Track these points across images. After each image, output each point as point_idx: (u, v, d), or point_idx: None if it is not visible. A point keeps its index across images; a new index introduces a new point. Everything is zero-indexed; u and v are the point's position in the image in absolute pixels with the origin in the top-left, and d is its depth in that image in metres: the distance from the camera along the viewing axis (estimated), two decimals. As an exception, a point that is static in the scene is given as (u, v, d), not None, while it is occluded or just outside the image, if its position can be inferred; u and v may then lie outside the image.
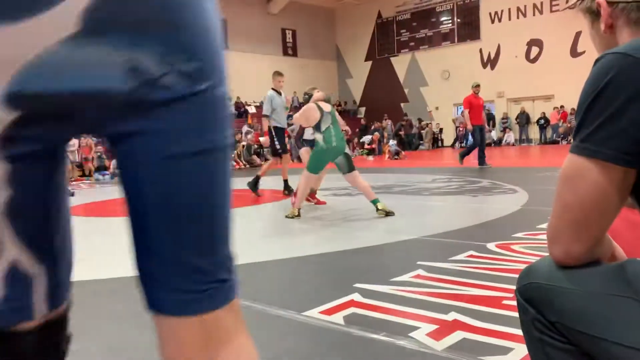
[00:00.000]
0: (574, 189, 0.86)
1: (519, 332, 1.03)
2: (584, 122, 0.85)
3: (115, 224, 5.90)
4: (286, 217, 5.15)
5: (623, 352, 0.81)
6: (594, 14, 1.01)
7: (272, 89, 7.36)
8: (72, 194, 9.09)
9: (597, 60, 0.86)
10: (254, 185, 7.42)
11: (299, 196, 5.16)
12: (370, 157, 17.85)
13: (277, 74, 7.55)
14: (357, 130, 21.79)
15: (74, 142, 14.01)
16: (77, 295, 2.79)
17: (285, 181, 7.56)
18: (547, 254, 0.93)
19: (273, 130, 7.32)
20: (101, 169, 14.04)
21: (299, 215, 5.11)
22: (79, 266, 3.01)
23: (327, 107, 5.11)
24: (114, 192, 9.99)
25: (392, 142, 17.72)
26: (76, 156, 14.11)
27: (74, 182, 12.45)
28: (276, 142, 7.31)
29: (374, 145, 19.77)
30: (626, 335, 0.80)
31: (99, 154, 14.30)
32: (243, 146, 17.03)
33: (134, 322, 2.40)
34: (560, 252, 0.90)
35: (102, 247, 4.41)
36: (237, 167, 16.09)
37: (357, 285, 2.71)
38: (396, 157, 16.25)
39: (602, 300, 0.84)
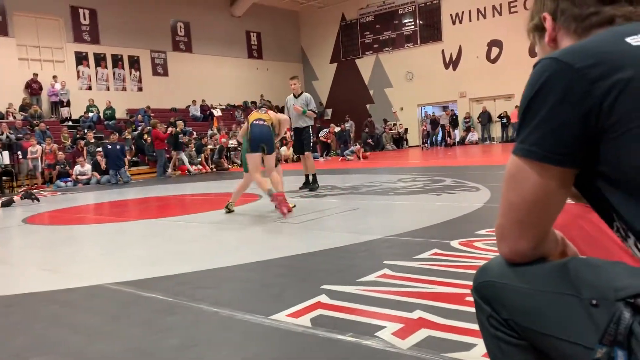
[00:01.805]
0: (516, 189, 0.90)
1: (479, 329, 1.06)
2: (522, 124, 0.89)
3: (79, 231, 5.77)
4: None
5: (569, 348, 0.84)
6: (540, 29, 1.06)
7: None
8: (38, 200, 8.84)
9: (534, 65, 0.90)
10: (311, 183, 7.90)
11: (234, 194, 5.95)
12: (321, 158, 17.92)
13: (290, 78, 8.13)
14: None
15: (37, 149, 13.65)
16: (35, 307, 2.74)
17: (306, 176, 8.00)
18: None
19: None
20: (63, 175, 13.69)
21: (231, 211, 5.78)
22: (43, 276, 2.96)
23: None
24: (76, 199, 9.76)
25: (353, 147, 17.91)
26: (38, 163, 13.72)
27: (35, 190, 12.10)
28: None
29: (329, 140, 19.85)
30: (569, 331, 0.83)
31: (62, 162, 13.94)
32: (210, 149, 16.86)
33: (98, 331, 2.36)
34: (507, 249, 0.93)
35: (65, 256, 4.31)
36: (205, 171, 15.92)
37: (324, 286, 2.73)
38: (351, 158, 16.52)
39: (547, 297, 0.88)
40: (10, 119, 15.74)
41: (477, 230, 3.95)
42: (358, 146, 17.53)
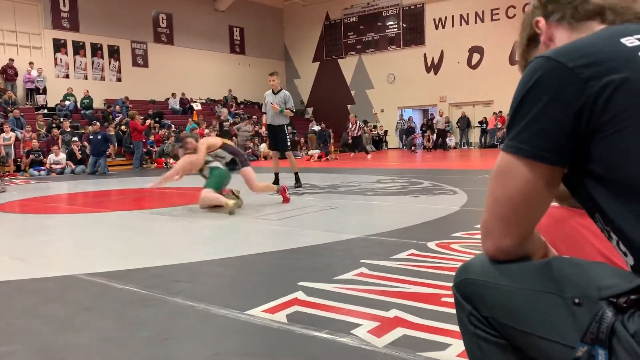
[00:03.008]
0: (504, 185, 0.90)
1: (457, 328, 1.06)
2: (513, 121, 0.89)
3: (51, 221, 5.65)
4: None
5: (549, 346, 0.85)
6: (533, 39, 1.08)
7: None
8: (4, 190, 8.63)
9: (529, 63, 0.90)
10: (276, 181, 7.73)
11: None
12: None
13: (269, 74, 8.00)
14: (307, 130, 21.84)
15: (10, 136, 13.34)
16: (7, 295, 2.68)
17: (276, 174, 7.93)
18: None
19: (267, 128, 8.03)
20: (36, 164, 13.41)
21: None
22: (13, 265, 2.90)
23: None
24: (49, 188, 9.57)
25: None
26: (11, 150, 13.41)
27: (7, 178, 11.82)
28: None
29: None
30: (551, 330, 0.84)
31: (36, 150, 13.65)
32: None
33: (69, 322, 2.31)
34: (491, 246, 0.93)
35: (36, 245, 4.21)
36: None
37: (301, 283, 2.72)
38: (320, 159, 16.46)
39: (529, 296, 0.88)
40: (-17, 104, 15.37)
41: (453, 232, 3.99)
42: (318, 152, 17.51)
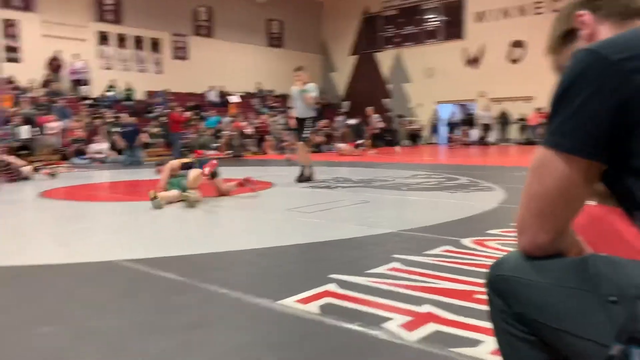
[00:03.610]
0: (541, 179, 0.88)
1: (490, 325, 1.05)
2: (553, 115, 0.88)
3: (93, 208, 5.83)
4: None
5: (582, 344, 0.83)
6: (569, 36, 1.06)
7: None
8: (54, 175, 8.91)
9: (572, 56, 0.88)
10: (301, 176, 7.81)
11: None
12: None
13: (294, 69, 8.11)
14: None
15: (55, 125, 13.78)
16: (47, 279, 2.78)
17: (302, 167, 7.90)
18: None
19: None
20: (80, 153, 13.83)
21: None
22: (56, 250, 3.01)
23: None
24: (92, 176, 9.86)
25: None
26: (58, 139, 13.86)
27: (53, 166, 12.25)
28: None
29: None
30: (584, 328, 0.82)
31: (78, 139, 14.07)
32: (229, 136, 16.88)
33: (108, 306, 2.39)
34: (527, 241, 0.92)
35: (78, 231, 4.36)
36: (220, 156, 16.01)
37: (333, 275, 2.73)
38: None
39: (563, 292, 0.86)
40: (32, 94, 15.90)
41: (489, 229, 3.92)
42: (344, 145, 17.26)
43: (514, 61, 21.01)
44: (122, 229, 4.48)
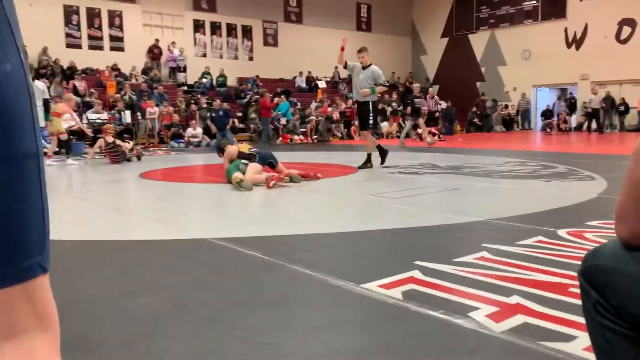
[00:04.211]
0: None
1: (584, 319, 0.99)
2: None
3: (188, 189, 6.15)
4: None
5: None
6: None
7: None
8: (139, 158, 9.43)
9: None
10: (369, 161, 7.65)
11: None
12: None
13: (357, 50, 7.86)
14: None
15: (155, 110, 14.65)
16: (147, 253, 2.97)
17: (369, 155, 7.71)
18: None
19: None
20: (176, 137, 14.59)
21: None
22: (155, 226, 3.22)
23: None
24: (187, 159, 10.39)
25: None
26: (155, 123, 14.71)
27: (151, 149, 13.04)
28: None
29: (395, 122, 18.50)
30: None
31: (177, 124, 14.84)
32: (316, 121, 17.05)
33: (201, 280, 2.52)
34: (626, 230, 0.85)
35: (175, 210, 4.62)
36: (306, 141, 16.24)
37: (418, 262, 2.69)
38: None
39: None
40: (133, 81, 16.96)
41: (588, 220, 3.69)
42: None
43: (623, 41, 19.41)
44: (212, 209, 4.69)
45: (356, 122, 17.86)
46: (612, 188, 5.23)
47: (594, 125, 19.15)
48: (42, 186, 0.59)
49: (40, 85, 7.74)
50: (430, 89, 19.36)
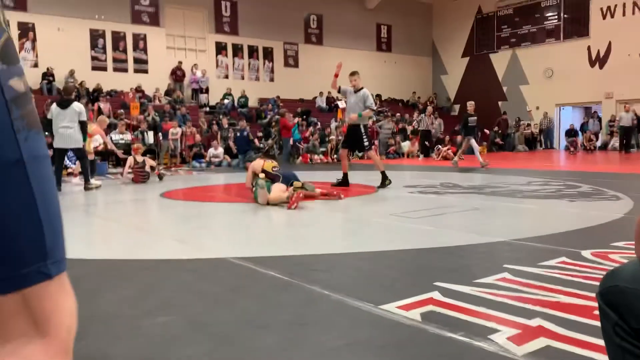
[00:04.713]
0: None
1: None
2: None
3: (208, 208, 6.19)
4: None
5: None
6: None
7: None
8: (160, 178, 9.52)
9: None
10: (345, 182, 7.74)
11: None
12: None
13: (350, 74, 7.90)
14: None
15: (177, 131, 14.86)
16: (166, 272, 2.98)
17: (345, 174, 7.78)
18: None
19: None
20: (198, 157, 14.76)
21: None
22: (175, 246, 3.23)
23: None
24: (208, 179, 10.48)
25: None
26: (178, 144, 14.91)
27: (173, 169, 13.21)
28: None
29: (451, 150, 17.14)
30: None
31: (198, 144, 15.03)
32: (336, 141, 17.08)
33: (218, 300, 2.51)
34: None
35: (194, 229, 4.65)
36: (326, 160, 16.28)
37: (438, 283, 2.65)
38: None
39: None
40: (157, 102, 17.27)
41: (613, 241, 3.60)
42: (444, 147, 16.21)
43: (647, 59, 19.13)
44: (232, 229, 4.70)
45: (376, 142, 17.92)
46: (639, 208, 5.11)
47: (615, 143, 18.65)
48: (37, 192, 0.57)
49: (76, 107, 7.91)
50: (428, 107, 18.92)
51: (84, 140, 8.21)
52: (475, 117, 12.45)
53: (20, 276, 0.57)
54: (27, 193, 0.56)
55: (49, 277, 0.59)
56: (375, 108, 7.70)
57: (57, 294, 0.60)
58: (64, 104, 7.84)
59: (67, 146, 7.89)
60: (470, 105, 12.80)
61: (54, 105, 7.99)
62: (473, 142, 12.34)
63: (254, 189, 6.05)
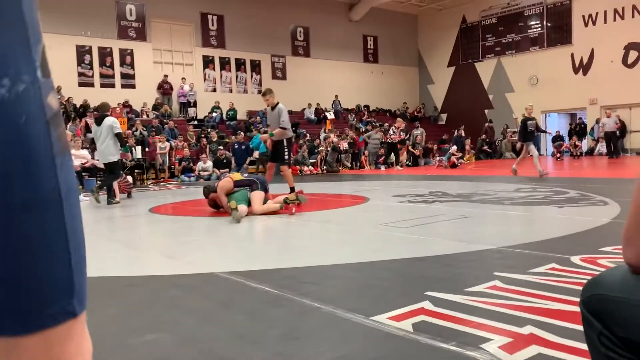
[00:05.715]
0: None
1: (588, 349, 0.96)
2: None
3: (197, 223, 6.15)
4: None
5: None
6: None
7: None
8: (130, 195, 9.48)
9: None
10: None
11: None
12: (382, 167, 16.93)
13: (262, 94, 7.89)
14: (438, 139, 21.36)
15: (165, 145, 14.80)
16: (158, 288, 2.95)
17: (292, 188, 7.77)
18: None
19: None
20: (187, 171, 14.70)
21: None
22: (164, 262, 3.19)
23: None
24: (197, 193, 10.42)
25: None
26: (166, 158, 14.84)
27: (161, 183, 13.13)
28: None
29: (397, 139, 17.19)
30: None
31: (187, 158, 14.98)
32: (325, 152, 17.13)
33: (208, 315, 2.49)
34: (633, 254, 0.83)
35: (183, 245, 4.61)
36: (315, 172, 16.28)
37: (429, 293, 2.65)
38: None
39: None
40: (144, 117, 17.21)
41: (601, 246, 3.62)
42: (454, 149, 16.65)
43: (630, 65, 19.45)
44: (221, 243, 4.67)
45: (366, 152, 17.96)
46: (626, 212, 5.13)
47: (603, 148, 18.83)
48: (68, 223, 0.54)
49: (108, 121, 8.06)
50: (398, 118, 18.61)
51: (125, 150, 8.41)
52: (535, 121, 11.18)
53: (45, 315, 0.52)
54: (60, 229, 0.53)
55: (74, 315, 0.55)
56: (287, 127, 7.65)
57: (79, 335, 0.57)
58: (98, 121, 8.16)
59: (104, 161, 8.25)
60: (529, 108, 11.39)
61: (93, 123, 8.34)
62: (532, 148, 10.94)
63: (231, 212, 5.77)
